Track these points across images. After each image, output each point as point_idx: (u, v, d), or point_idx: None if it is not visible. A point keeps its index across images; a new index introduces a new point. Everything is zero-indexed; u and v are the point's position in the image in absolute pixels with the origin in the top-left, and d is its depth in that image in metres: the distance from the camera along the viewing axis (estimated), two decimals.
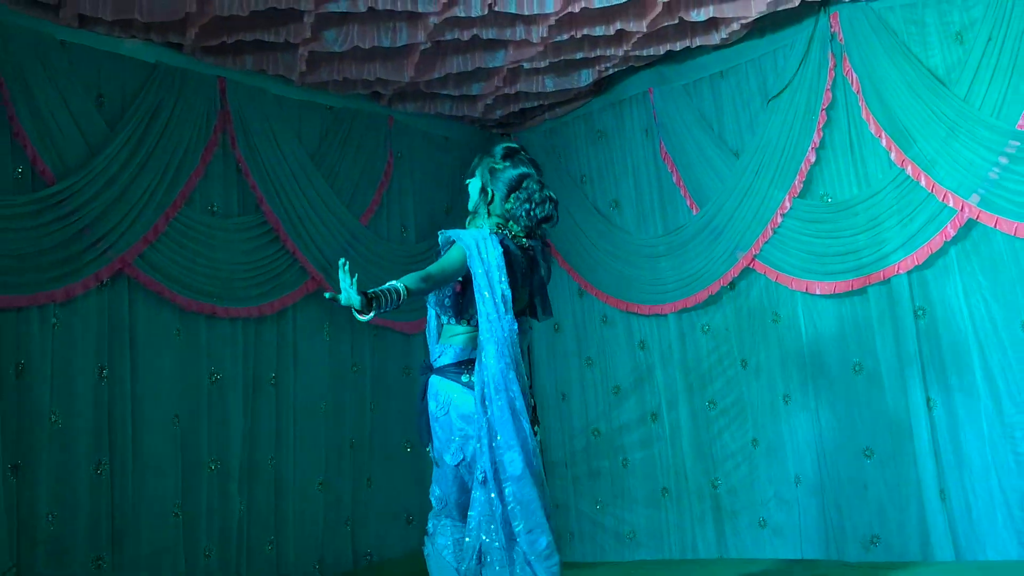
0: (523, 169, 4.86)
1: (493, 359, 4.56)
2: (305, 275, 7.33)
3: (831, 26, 6.90)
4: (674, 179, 7.79)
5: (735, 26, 6.99)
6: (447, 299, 4.82)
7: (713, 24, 7.07)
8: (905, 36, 6.63)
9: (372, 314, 4.17)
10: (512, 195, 4.82)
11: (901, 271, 6.57)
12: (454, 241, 4.71)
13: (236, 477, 6.82)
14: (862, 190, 6.80)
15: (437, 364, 4.80)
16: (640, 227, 8.03)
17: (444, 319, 4.89)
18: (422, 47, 6.93)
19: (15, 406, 5.80)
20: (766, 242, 7.18)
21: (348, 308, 4.10)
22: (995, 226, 6.18)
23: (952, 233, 6.37)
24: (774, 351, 7.28)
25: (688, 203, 7.70)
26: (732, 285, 7.46)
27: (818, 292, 6.95)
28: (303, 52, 6.84)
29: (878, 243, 6.66)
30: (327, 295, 4.17)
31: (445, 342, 4.84)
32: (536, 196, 4.79)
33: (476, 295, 4.61)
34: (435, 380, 4.79)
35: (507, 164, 4.88)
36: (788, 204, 7.06)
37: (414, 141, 8.28)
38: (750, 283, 7.38)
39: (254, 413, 7.01)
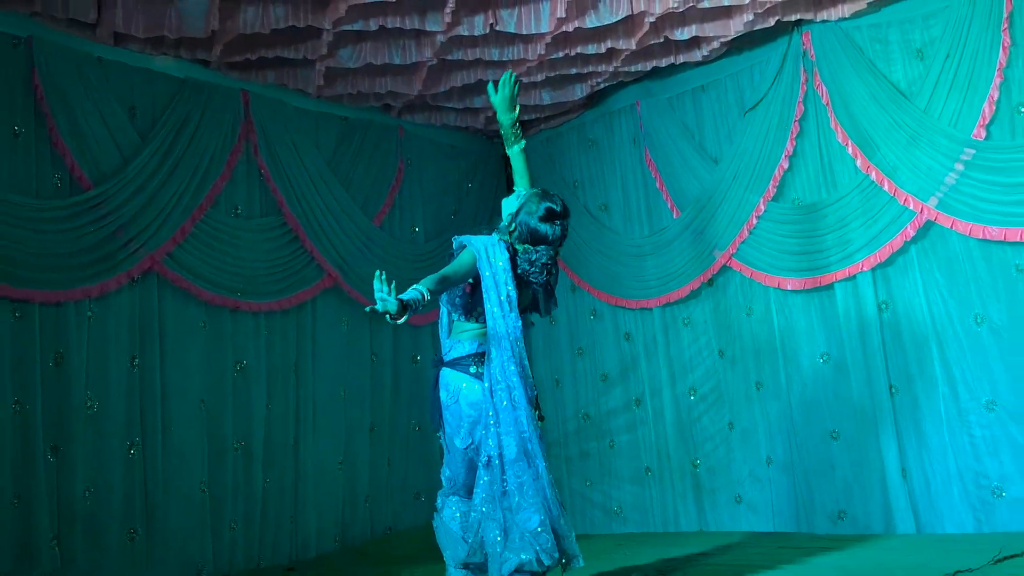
0: (545, 232, 4.77)
1: (495, 353, 4.60)
2: (322, 272, 7.26)
3: (803, 44, 6.84)
4: (657, 184, 7.73)
5: (716, 44, 6.97)
6: (458, 298, 4.85)
7: (696, 42, 7.04)
8: (871, 53, 6.57)
9: (406, 317, 4.17)
10: (525, 245, 4.78)
11: (865, 268, 6.52)
12: (465, 246, 4.73)
13: (260, 458, 6.79)
14: (830, 194, 6.75)
15: (448, 357, 4.82)
16: (627, 228, 7.96)
17: (455, 316, 4.91)
18: (429, 63, 6.91)
19: (54, 393, 5.79)
20: (742, 242, 7.12)
21: (383, 312, 4.08)
22: (952, 227, 6.14)
23: (912, 233, 6.32)
24: (748, 342, 7.23)
25: (670, 206, 7.63)
26: (711, 282, 7.40)
27: (789, 288, 6.91)
28: (320, 67, 6.83)
29: (844, 243, 6.61)
30: (367, 309, 4.14)
31: (455, 337, 4.87)
32: (538, 263, 4.74)
33: (484, 295, 4.63)
34: (446, 372, 4.81)
35: (538, 222, 4.79)
36: (763, 207, 7.01)
37: (423, 149, 8.23)
38: (727, 280, 7.30)
39: (276, 399, 6.97)
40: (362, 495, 7.42)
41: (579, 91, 7.75)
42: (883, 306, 6.52)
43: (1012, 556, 5.05)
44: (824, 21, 6.71)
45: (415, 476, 7.79)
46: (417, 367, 7.92)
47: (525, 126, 8.38)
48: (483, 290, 4.64)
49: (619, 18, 6.36)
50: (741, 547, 6.38)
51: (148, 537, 6.10)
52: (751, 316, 7.21)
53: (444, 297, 4.87)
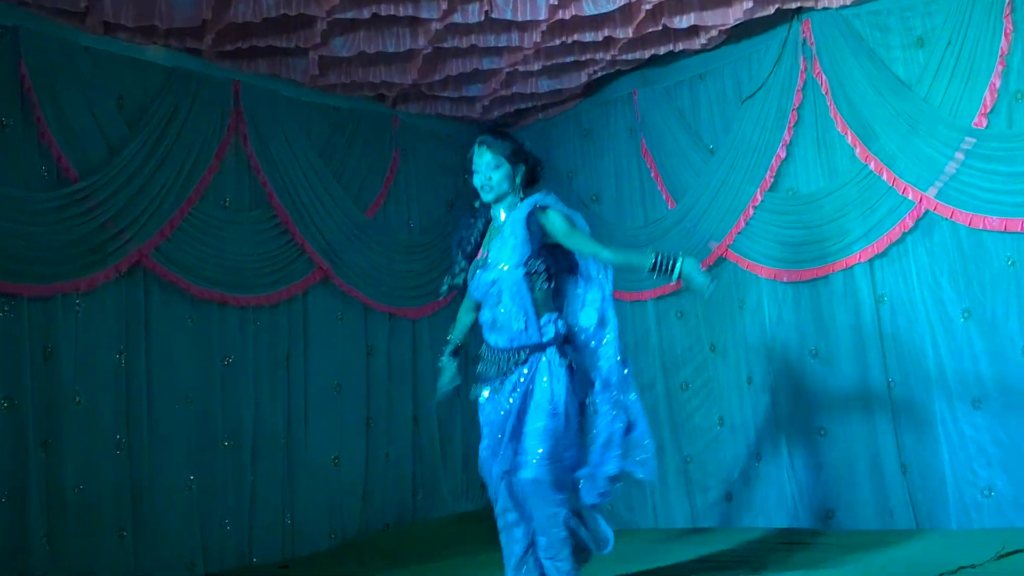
0: None
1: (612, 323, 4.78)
2: (313, 265, 7.23)
3: (803, 32, 6.79)
4: (652, 174, 7.68)
5: (714, 32, 6.90)
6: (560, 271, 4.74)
7: (694, 31, 6.96)
8: (871, 41, 6.52)
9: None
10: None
11: (863, 259, 6.48)
12: (566, 214, 4.67)
13: (250, 453, 6.77)
14: (828, 184, 6.72)
15: (547, 338, 4.54)
16: (620, 219, 7.91)
17: (541, 292, 4.60)
18: (424, 52, 6.86)
19: (43, 387, 5.77)
20: (739, 233, 7.08)
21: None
22: (951, 217, 6.11)
23: (911, 224, 6.29)
24: (739, 336, 7.20)
25: (665, 197, 7.58)
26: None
27: (785, 280, 6.87)
28: (313, 56, 6.78)
29: (842, 233, 6.56)
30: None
31: (548, 316, 4.60)
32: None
33: (583, 263, 4.67)
34: (552, 353, 4.55)
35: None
36: (759, 197, 6.97)
37: (417, 139, 8.17)
38: (720, 271, 7.22)
39: (265, 394, 6.94)
40: (358, 491, 7.38)
41: (576, 80, 7.69)
42: (881, 298, 6.50)
43: (1016, 552, 5.06)
44: (824, 9, 6.67)
45: (413, 471, 7.78)
46: (417, 361, 7.93)
47: (522, 115, 8.47)
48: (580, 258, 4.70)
49: (617, 6, 6.30)
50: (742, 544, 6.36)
51: (138, 534, 6.08)
52: (743, 308, 7.18)
53: (540, 268, 4.59)
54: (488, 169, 4.59)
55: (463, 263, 4.71)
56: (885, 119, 6.35)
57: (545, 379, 4.47)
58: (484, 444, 4.66)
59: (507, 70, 7.32)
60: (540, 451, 4.40)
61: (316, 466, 7.15)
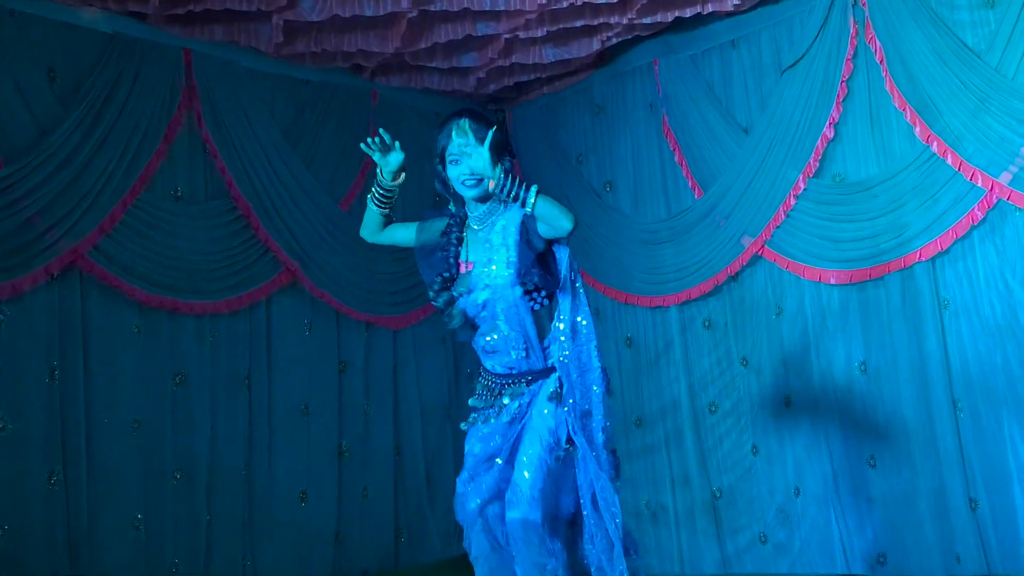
0: None
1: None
2: (279, 266, 7.22)
3: None
4: (676, 158, 7.70)
5: None
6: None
7: None
8: (934, 1, 6.45)
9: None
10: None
11: (923, 258, 6.42)
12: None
13: (204, 486, 6.75)
14: (883, 169, 6.67)
15: (552, 361, 4.40)
16: (638, 210, 7.95)
17: (537, 307, 4.43)
18: (408, 15, 6.81)
19: None
20: (777, 227, 7.06)
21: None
22: None
23: (980, 216, 6.20)
24: (776, 349, 7.19)
25: (691, 184, 7.60)
26: (735, 276, 7.37)
27: (833, 282, 6.84)
28: (277, 21, 6.73)
29: (898, 227, 6.50)
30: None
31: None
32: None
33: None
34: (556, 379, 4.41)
35: None
36: (802, 184, 6.94)
37: (401, 118, 8.11)
38: (753, 272, 7.24)
39: (224, 417, 6.92)
40: (330, 533, 7.35)
41: (587, 47, 7.67)
42: (944, 303, 6.42)
43: None
44: None
45: (396, 510, 7.75)
46: (398, 378, 7.93)
47: (523, 89, 8.48)
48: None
49: None
50: None
51: None
52: (780, 316, 7.17)
53: (541, 282, 4.40)
54: (466, 156, 4.33)
55: (440, 290, 4.50)
56: (950, 93, 6.26)
57: (547, 410, 4.35)
58: (463, 476, 4.51)
59: (506, 36, 7.29)
60: (532, 486, 4.25)
61: (281, 503, 7.11)
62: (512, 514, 4.24)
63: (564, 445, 4.28)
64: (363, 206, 7.54)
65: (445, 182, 4.47)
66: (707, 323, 7.54)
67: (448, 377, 8.35)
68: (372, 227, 4.75)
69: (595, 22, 7.20)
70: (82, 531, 6.09)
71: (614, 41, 7.64)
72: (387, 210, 4.64)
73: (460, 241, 4.49)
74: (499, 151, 4.30)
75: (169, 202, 6.75)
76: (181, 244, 6.71)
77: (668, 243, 7.66)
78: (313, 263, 7.33)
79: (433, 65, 7.78)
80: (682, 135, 7.64)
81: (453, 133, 4.35)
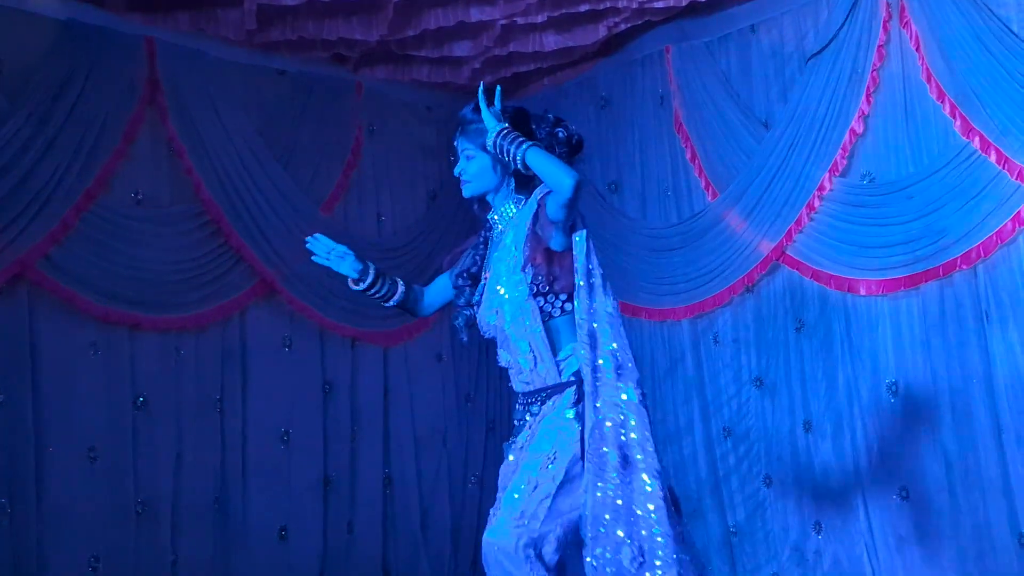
0: None
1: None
2: (253, 276, 7.16)
3: None
4: (688, 155, 7.60)
5: None
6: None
7: None
8: None
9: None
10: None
11: (963, 266, 6.21)
12: None
13: (168, 522, 6.67)
14: (918, 167, 6.47)
15: (568, 374, 4.20)
16: (646, 213, 7.89)
17: (560, 319, 4.24)
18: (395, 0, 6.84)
19: None
20: (799, 231, 6.93)
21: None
22: None
23: None
24: (795, 366, 7.07)
25: (704, 184, 7.50)
26: (752, 286, 7.26)
27: (861, 292, 6.69)
28: (250, 6, 6.73)
29: (936, 232, 6.28)
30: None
31: (573, 347, 4.26)
32: None
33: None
34: (573, 394, 4.21)
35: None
36: (828, 185, 6.80)
37: (388, 112, 8.14)
38: (771, 282, 7.17)
39: (192, 444, 6.85)
40: (313, 573, 7.28)
41: (592, 34, 7.62)
42: (986, 316, 6.19)
43: None
44: None
45: (385, 547, 7.67)
46: (389, 399, 7.86)
47: (521, 81, 8.47)
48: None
49: None
50: None
51: None
52: (801, 331, 7.04)
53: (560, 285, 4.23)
54: (464, 160, 4.30)
55: (464, 306, 4.40)
56: (994, 83, 6.05)
57: (550, 425, 4.15)
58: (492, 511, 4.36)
59: (503, 23, 7.24)
60: (517, 508, 4.02)
61: (258, 540, 7.03)
62: (488, 535, 4.04)
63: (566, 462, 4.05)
64: (347, 211, 7.79)
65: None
66: (718, 339, 7.48)
67: (445, 400, 8.23)
68: (413, 309, 4.62)
69: (601, 6, 7.16)
70: (31, 573, 6.01)
71: (622, 27, 7.60)
72: (398, 296, 4.40)
73: (486, 244, 4.42)
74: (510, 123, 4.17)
75: (129, 207, 6.70)
76: (143, 253, 6.66)
77: (679, 250, 7.60)
78: (292, 273, 7.24)
79: (422, 54, 7.74)
80: (695, 130, 7.54)
81: (457, 127, 4.34)
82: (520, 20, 7.13)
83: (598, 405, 4.03)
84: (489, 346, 4.74)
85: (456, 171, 4.30)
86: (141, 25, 6.75)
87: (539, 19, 7.17)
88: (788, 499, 7.03)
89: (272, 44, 7.27)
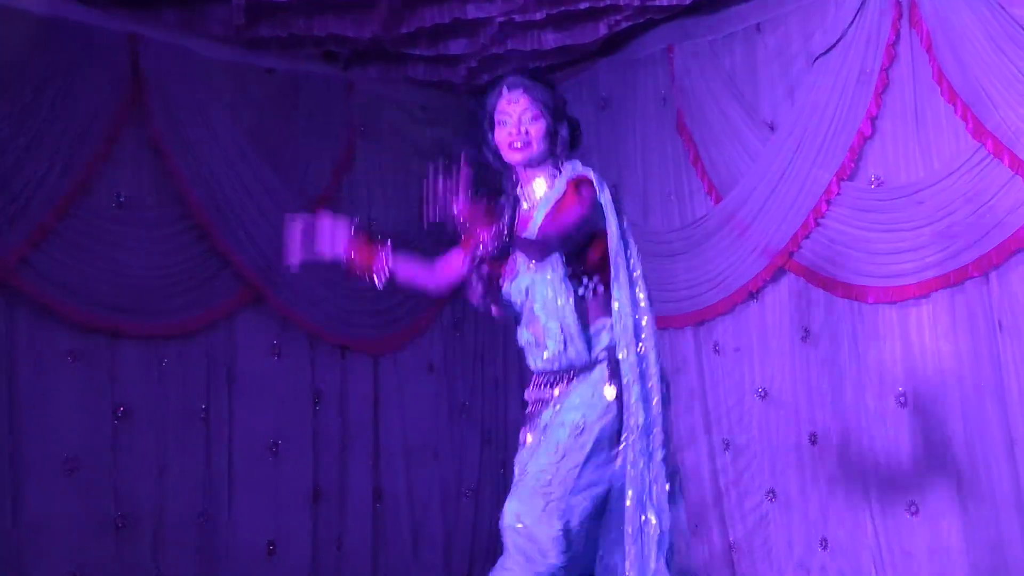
0: None
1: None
2: (240, 282, 7.14)
3: None
4: (691, 158, 7.58)
5: None
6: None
7: None
8: None
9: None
10: None
11: (975, 274, 6.18)
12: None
13: (150, 537, 6.65)
14: (928, 171, 6.46)
15: (597, 350, 4.16)
16: (648, 218, 7.85)
17: (591, 299, 4.21)
18: None
19: None
20: (805, 237, 6.91)
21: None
22: None
23: None
24: (800, 377, 7.06)
25: (707, 188, 7.47)
26: (756, 293, 7.28)
27: (869, 300, 6.67)
28: (238, 2, 6.73)
29: (947, 238, 6.26)
30: None
31: (603, 323, 4.22)
32: None
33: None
34: (602, 372, 4.16)
35: None
36: (835, 189, 6.78)
37: (382, 113, 8.15)
38: (777, 289, 7.16)
39: (176, 456, 6.84)
40: None
41: (592, 32, 7.62)
42: (999, 326, 6.16)
43: None
44: None
45: (375, 563, 7.66)
46: (379, 410, 7.85)
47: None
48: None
49: None
50: None
51: None
52: (807, 340, 7.02)
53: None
54: (525, 120, 4.19)
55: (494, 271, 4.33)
56: (1008, 84, 6.02)
57: (578, 399, 4.10)
58: None
59: (500, 20, 7.24)
60: (544, 476, 4.00)
61: (245, 555, 7.01)
62: (504, 519, 4.02)
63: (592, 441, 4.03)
64: (337, 212, 7.50)
65: (496, 151, 4.28)
66: (718, 348, 7.47)
67: (437, 411, 8.21)
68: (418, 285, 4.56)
69: (602, 4, 7.18)
70: None
71: (623, 25, 7.59)
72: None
73: (513, 218, 4.32)
74: (558, 116, 4.22)
75: (111, 209, 6.69)
76: (125, 257, 6.64)
77: (680, 255, 7.59)
78: (280, 279, 7.16)
79: (417, 53, 7.73)
80: (699, 132, 7.53)
81: (501, 93, 4.22)
82: (518, 17, 7.13)
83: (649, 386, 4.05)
84: (484, 354, 4.71)
85: (508, 135, 4.16)
86: (125, 21, 6.75)
87: (537, 16, 7.17)
88: (793, 513, 7.02)
89: (261, 41, 7.26)
